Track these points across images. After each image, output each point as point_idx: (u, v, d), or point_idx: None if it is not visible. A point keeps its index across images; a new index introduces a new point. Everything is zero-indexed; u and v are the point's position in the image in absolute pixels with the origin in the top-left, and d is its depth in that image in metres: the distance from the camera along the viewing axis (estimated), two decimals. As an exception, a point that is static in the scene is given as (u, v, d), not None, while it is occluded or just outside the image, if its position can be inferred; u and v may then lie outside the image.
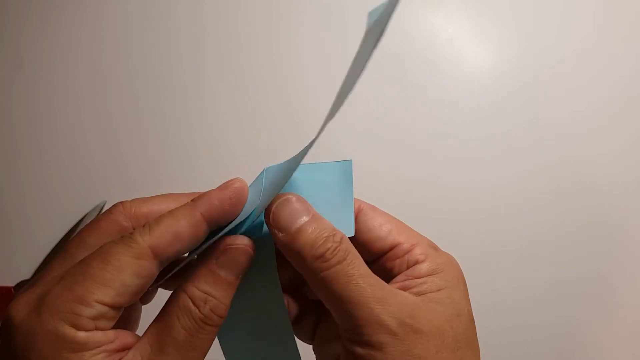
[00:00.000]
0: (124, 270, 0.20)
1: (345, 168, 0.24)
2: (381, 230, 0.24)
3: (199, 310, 0.21)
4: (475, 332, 0.23)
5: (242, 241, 0.22)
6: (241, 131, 0.51)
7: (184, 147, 0.50)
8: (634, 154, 0.53)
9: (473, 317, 0.23)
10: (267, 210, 0.22)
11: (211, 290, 0.21)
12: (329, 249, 0.21)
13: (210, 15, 0.53)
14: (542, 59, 0.54)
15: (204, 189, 0.23)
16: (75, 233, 0.20)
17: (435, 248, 0.25)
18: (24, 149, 0.50)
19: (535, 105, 0.53)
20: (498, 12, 0.54)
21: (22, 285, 0.46)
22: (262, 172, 0.24)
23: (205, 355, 0.21)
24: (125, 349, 0.20)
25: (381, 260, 0.25)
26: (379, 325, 0.20)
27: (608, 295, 0.51)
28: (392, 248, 0.24)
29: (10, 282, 0.47)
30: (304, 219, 0.22)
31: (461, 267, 0.25)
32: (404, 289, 0.22)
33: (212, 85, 0.51)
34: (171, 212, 0.21)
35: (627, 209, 0.52)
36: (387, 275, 0.24)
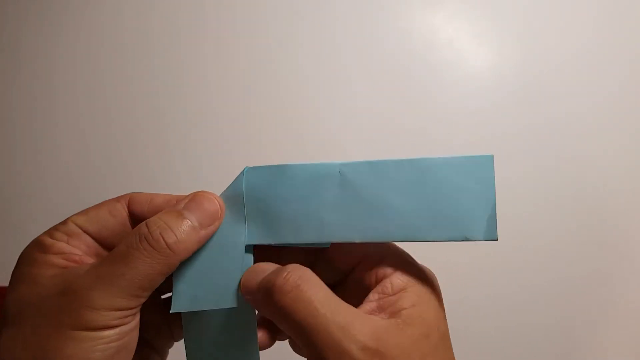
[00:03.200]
0: (100, 208, 0.23)
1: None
2: (347, 244, 0.23)
3: (148, 230, 0.21)
4: (449, 349, 0.22)
5: (211, 193, 0.22)
6: (240, 131, 0.51)
7: (184, 147, 0.50)
8: (635, 154, 0.53)
9: (446, 331, 0.22)
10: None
11: (169, 221, 0.21)
12: (279, 278, 0.20)
13: (211, 16, 0.53)
14: (542, 59, 0.54)
15: (203, 188, 0.23)
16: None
17: (404, 259, 0.23)
18: (23, 149, 0.50)
19: (535, 105, 0.53)
20: (498, 13, 0.54)
21: (22, 285, 0.46)
22: (242, 173, 0.23)
23: (140, 284, 0.20)
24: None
25: (353, 273, 0.24)
26: (340, 353, 0.19)
27: (608, 295, 0.51)
28: (360, 261, 0.23)
29: (10, 282, 0.47)
30: (261, 275, 0.22)
31: (437, 278, 0.24)
32: (380, 309, 0.22)
33: (211, 85, 0.51)
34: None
35: (628, 208, 0.52)
36: (360, 286, 0.23)
